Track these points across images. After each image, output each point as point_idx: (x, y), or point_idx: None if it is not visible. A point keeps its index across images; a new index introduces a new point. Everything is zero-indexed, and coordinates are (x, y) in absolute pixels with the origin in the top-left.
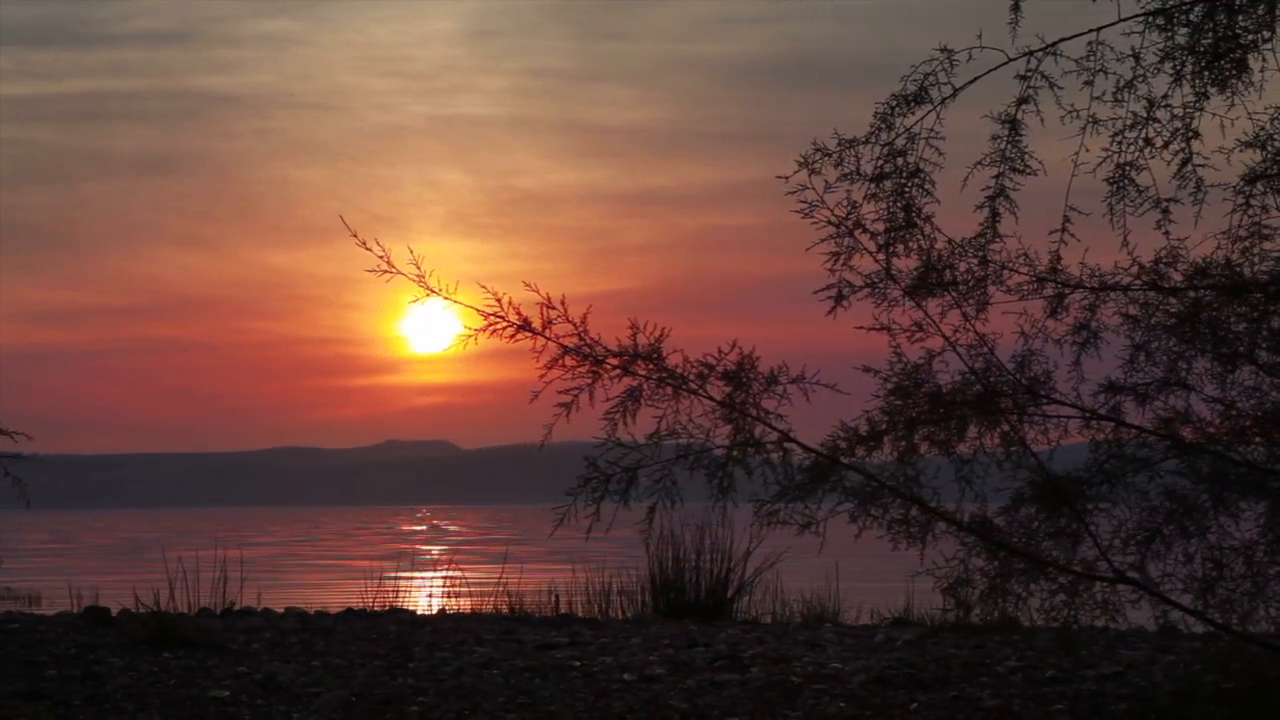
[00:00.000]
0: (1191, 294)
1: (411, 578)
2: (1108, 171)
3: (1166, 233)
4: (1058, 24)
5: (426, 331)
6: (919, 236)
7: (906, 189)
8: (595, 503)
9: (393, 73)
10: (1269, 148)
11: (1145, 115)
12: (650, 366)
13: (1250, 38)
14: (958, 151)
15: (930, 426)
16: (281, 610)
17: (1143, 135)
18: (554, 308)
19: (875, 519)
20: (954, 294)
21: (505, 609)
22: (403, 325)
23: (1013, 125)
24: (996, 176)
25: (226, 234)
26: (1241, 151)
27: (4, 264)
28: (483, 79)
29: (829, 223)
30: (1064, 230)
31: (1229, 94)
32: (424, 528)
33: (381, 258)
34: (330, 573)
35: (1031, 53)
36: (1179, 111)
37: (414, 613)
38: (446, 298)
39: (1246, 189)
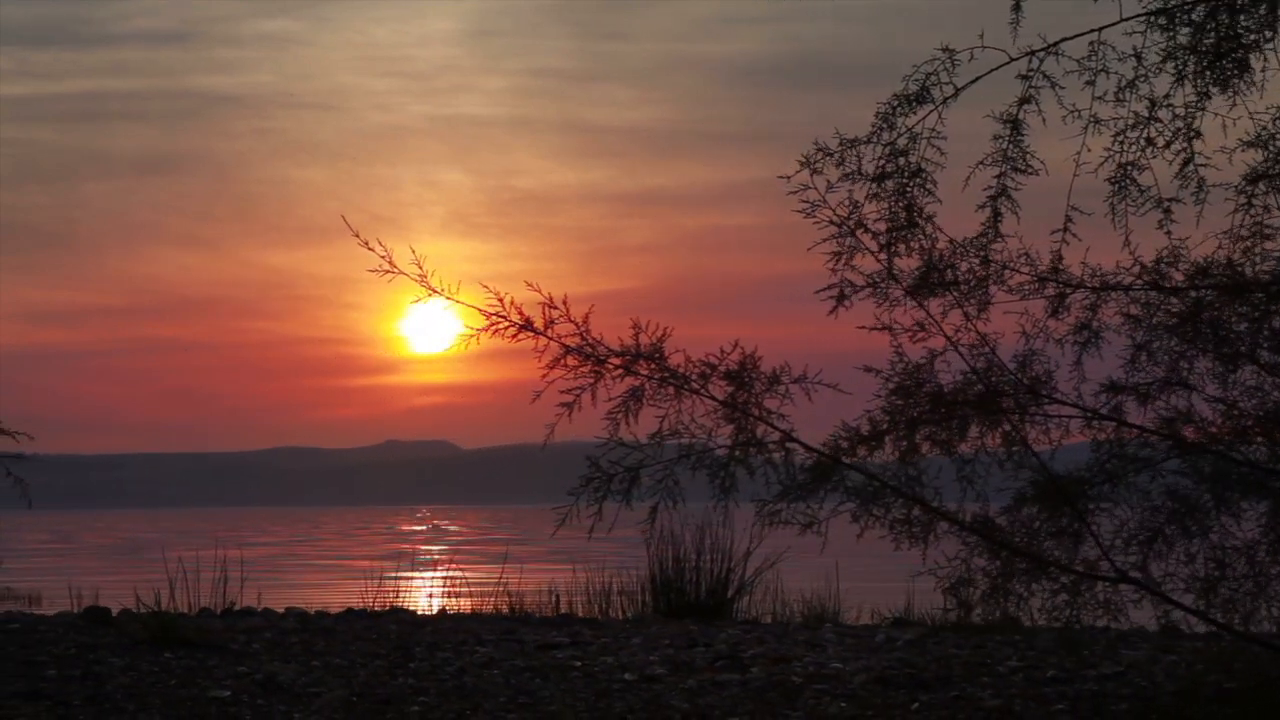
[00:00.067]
0: (1193, 294)
1: (412, 578)
2: (1109, 171)
3: (1168, 232)
4: (1058, 24)
5: (426, 331)
6: (921, 236)
7: (908, 189)
8: (597, 502)
9: (393, 73)
10: (1270, 147)
11: (1147, 115)
12: (652, 366)
13: (1252, 37)
14: (959, 151)
15: (932, 426)
16: (282, 610)
17: (1144, 135)
18: (556, 307)
19: (877, 519)
20: (955, 294)
21: (505, 609)
22: (403, 325)
23: (1014, 125)
24: (998, 176)
25: (226, 234)
26: (1243, 151)
27: (4, 264)
28: (483, 79)
29: (831, 222)
30: (1066, 230)
31: (1231, 94)
32: (424, 528)
33: (384, 257)
34: (330, 573)
35: (1033, 52)
36: (1181, 111)
37: (414, 613)
38: (449, 298)
39: (1249, 189)
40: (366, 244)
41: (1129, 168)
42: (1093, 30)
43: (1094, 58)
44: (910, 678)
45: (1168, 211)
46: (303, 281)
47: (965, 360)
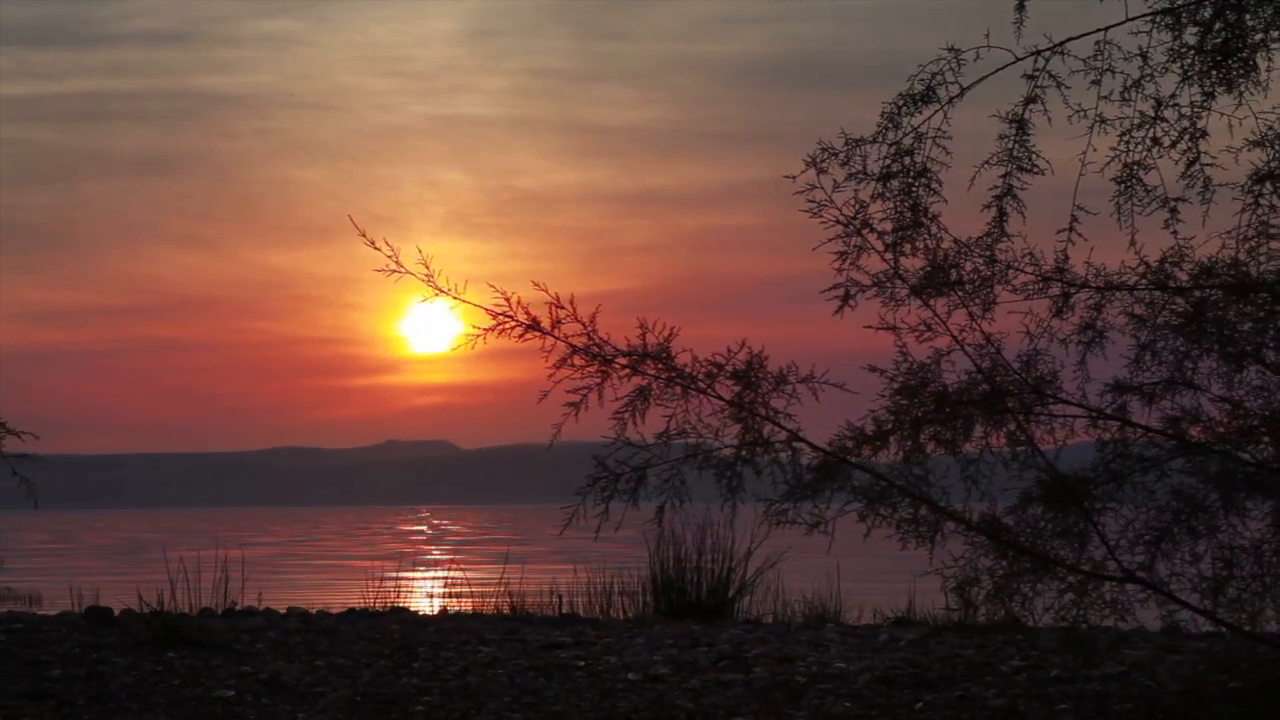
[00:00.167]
0: (1197, 293)
1: (413, 578)
2: (1115, 171)
3: (1174, 232)
4: (1060, 23)
5: (427, 331)
6: (926, 236)
7: (914, 188)
8: (604, 502)
9: (393, 73)
10: (1276, 147)
11: (1153, 115)
12: (659, 366)
13: (1258, 37)
14: (965, 151)
15: (936, 426)
16: (283, 610)
17: (1150, 135)
18: (562, 307)
19: (884, 518)
20: (960, 294)
21: (507, 609)
22: (403, 325)
23: (1020, 125)
24: (1004, 176)
25: (226, 234)
26: (1249, 151)
27: (4, 264)
28: (483, 79)
29: (837, 221)
30: (1071, 230)
31: (1237, 94)
32: (424, 528)
33: (390, 257)
34: (331, 573)
35: (1039, 52)
36: (1187, 111)
37: (416, 613)
38: (455, 297)
39: (1255, 189)
40: (373, 244)
41: (1135, 167)
42: (1098, 30)
43: (1100, 57)
44: (914, 677)
45: (1174, 211)
46: (303, 281)
47: (971, 359)
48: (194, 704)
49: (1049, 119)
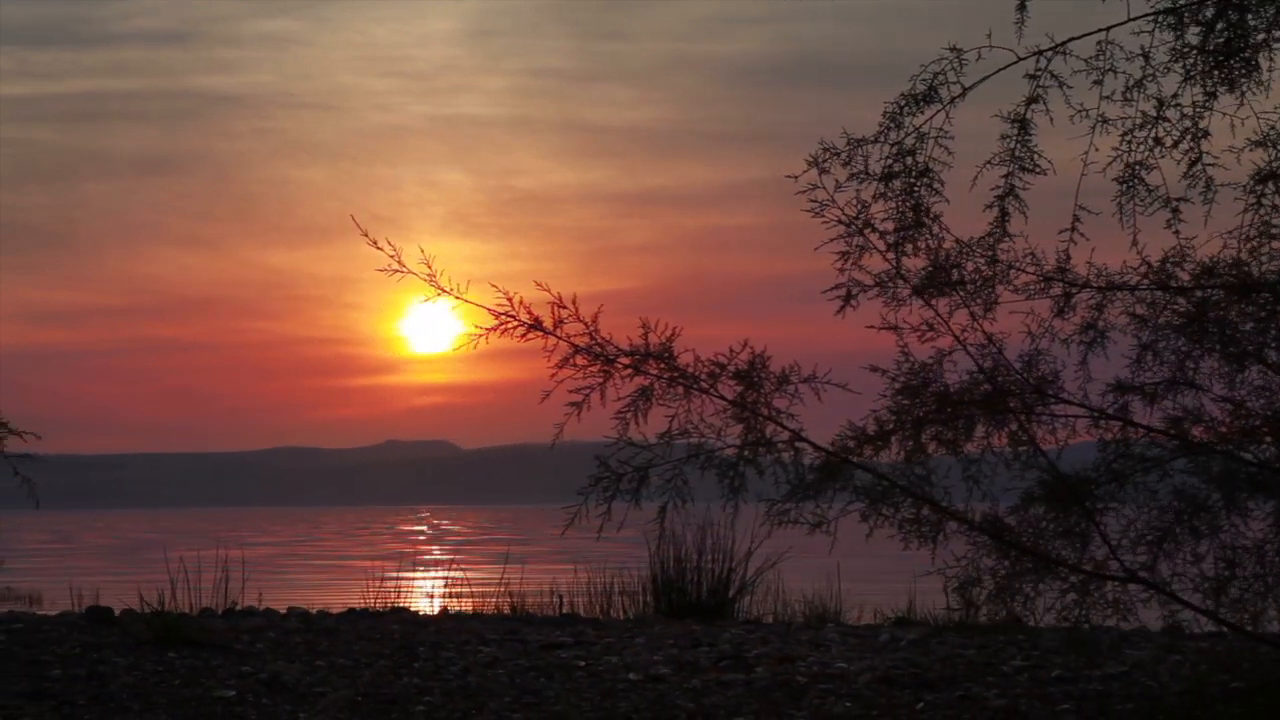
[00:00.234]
0: (1199, 293)
1: (413, 578)
2: (1117, 171)
3: (1176, 232)
4: (1061, 23)
5: (427, 331)
6: (928, 236)
7: (916, 188)
8: (606, 502)
9: (393, 73)
10: (1278, 147)
11: (1155, 115)
12: (661, 366)
13: (1260, 37)
14: (966, 151)
15: (938, 426)
16: (283, 610)
17: (1152, 135)
18: (565, 307)
19: (886, 518)
20: (962, 294)
21: (507, 609)
22: (403, 325)
23: (1022, 125)
24: (1006, 176)
25: (226, 234)
26: (1251, 151)
27: (4, 264)
28: (483, 79)
29: (840, 221)
30: (1073, 230)
31: (1239, 94)
32: (424, 528)
33: (393, 257)
34: (331, 573)
35: (1040, 52)
36: (1189, 111)
37: (416, 613)
38: (458, 297)
39: (1258, 189)
40: (375, 244)
41: (1137, 167)
42: (1100, 30)
43: (1102, 57)
44: (915, 677)
45: (1175, 211)
46: (303, 281)
47: (974, 359)
48: (195, 704)
49: (1051, 119)
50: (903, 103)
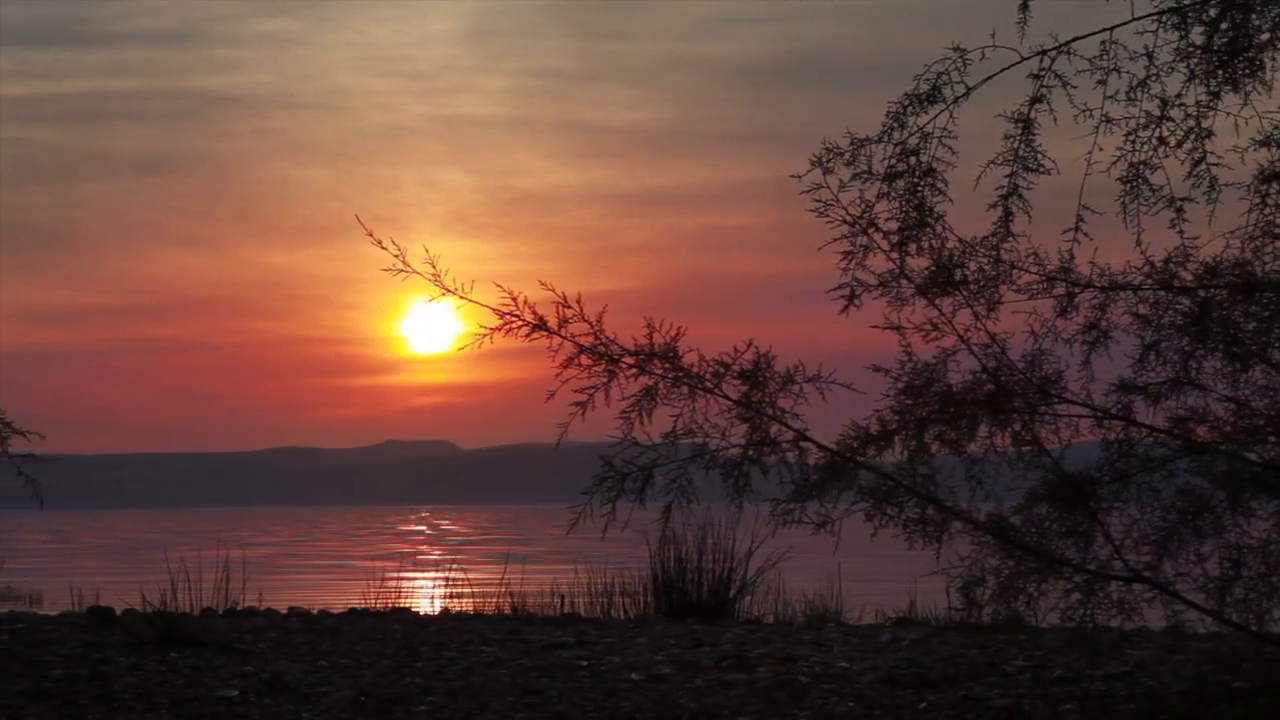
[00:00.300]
0: (1202, 293)
1: (413, 578)
2: (1121, 171)
3: (1181, 232)
4: (1062, 23)
5: (427, 331)
6: (931, 236)
7: (919, 188)
8: (611, 502)
9: (393, 73)
10: None
11: (1159, 114)
12: (666, 366)
13: (1264, 36)
14: (969, 150)
15: (941, 426)
16: (284, 610)
17: (1156, 134)
18: (569, 306)
19: (891, 518)
20: (965, 293)
21: (508, 609)
22: (403, 325)
23: (1026, 124)
24: (1010, 175)
25: (226, 234)
26: (1255, 150)
27: (4, 264)
28: (483, 79)
29: (844, 221)
30: (1077, 229)
31: (1243, 93)
32: (424, 528)
33: (397, 256)
34: (331, 573)
35: (1044, 52)
36: (1193, 110)
37: (417, 613)
38: (462, 297)
39: (1262, 188)
40: (380, 244)
41: (1141, 167)
42: (1104, 30)
43: (1105, 57)
44: (917, 677)
45: (1180, 211)
46: (303, 281)
47: (978, 359)
48: (197, 704)
49: (1055, 119)
50: (906, 102)
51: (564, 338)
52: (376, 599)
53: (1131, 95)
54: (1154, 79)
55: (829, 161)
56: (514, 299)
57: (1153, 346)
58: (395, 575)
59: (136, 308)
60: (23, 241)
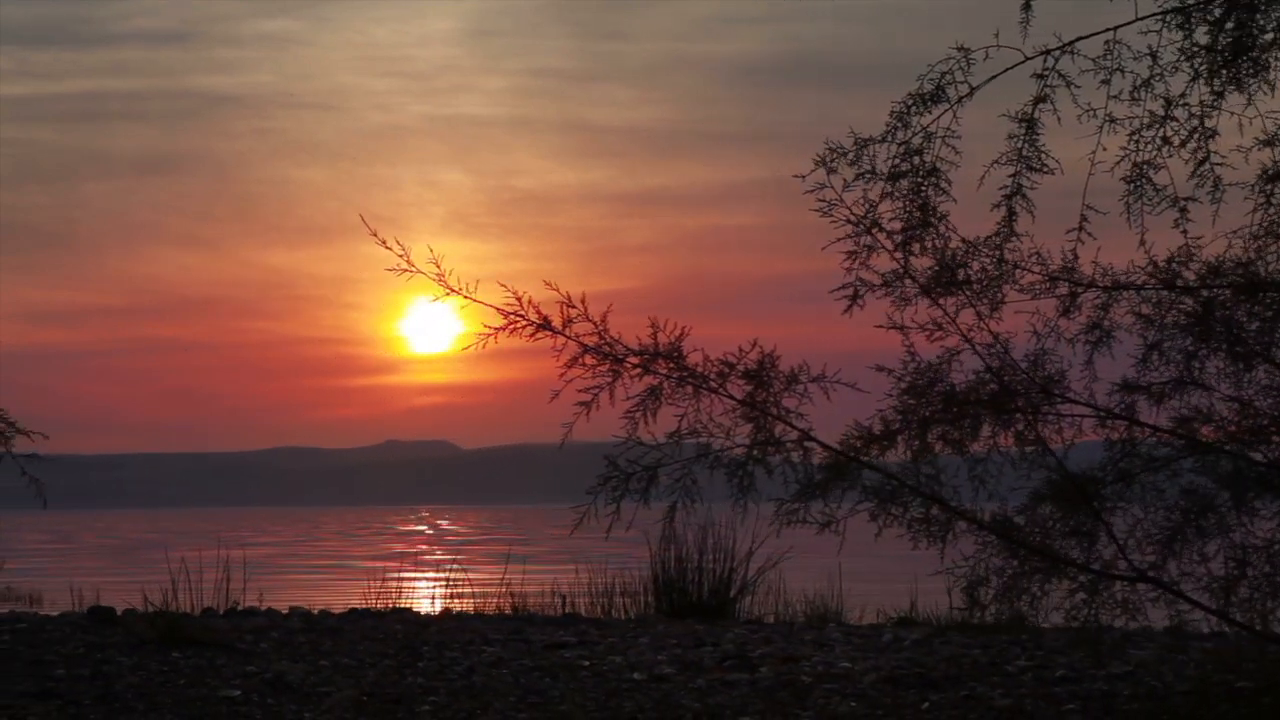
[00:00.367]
0: (1205, 293)
1: (414, 578)
2: (1125, 170)
3: (1184, 231)
4: (1064, 23)
5: (427, 331)
6: (935, 235)
7: (923, 188)
8: (615, 502)
9: (393, 73)
10: None
11: (1163, 114)
12: (670, 365)
13: (1268, 36)
14: (972, 150)
15: (944, 426)
16: (285, 610)
17: (1160, 134)
18: (574, 306)
19: (895, 518)
20: (968, 293)
21: (509, 609)
22: (403, 325)
23: (1030, 124)
24: (1013, 175)
25: (226, 234)
26: (1259, 150)
27: (4, 264)
28: (483, 79)
29: (848, 221)
30: (1081, 229)
31: (1246, 93)
32: (424, 528)
33: (402, 256)
34: (331, 573)
35: (1048, 51)
36: (1196, 110)
37: (418, 613)
38: (467, 296)
39: (1266, 188)
40: (384, 243)
41: (1144, 167)
42: (1108, 29)
43: (1109, 56)
44: (919, 677)
45: (1183, 211)
46: (303, 281)
47: (983, 358)
48: (200, 704)
49: (1058, 118)
50: (910, 102)
51: (569, 338)
52: (377, 599)
53: (1135, 95)
54: (1158, 78)
55: (833, 161)
56: (518, 299)
57: (1156, 346)
58: (396, 575)
59: (136, 308)
60: (23, 241)
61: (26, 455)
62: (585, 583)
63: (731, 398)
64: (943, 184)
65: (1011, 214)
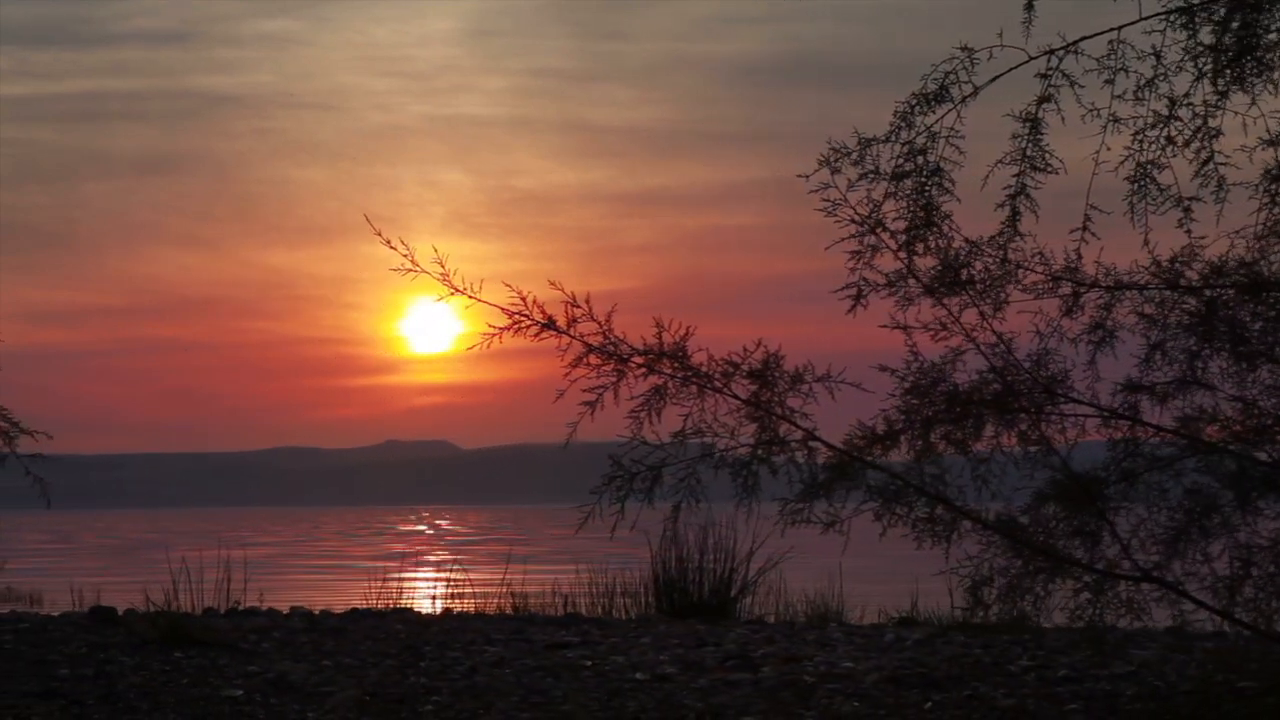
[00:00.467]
0: (1208, 293)
1: (415, 578)
2: (1129, 170)
3: (1188, 231)
4: (1065, 22)
5: (427, 331)
6: (938, 235)
7: (927, 188)
8: (620, 501)
9: (393, 73)
10: None
11: (1167, 114)
12: (675, 365)
13: (1272, 36)
14: (975, 150)
15: (947, 425)
16: (286, 610)
17: (1164, 134)
18: (579, 306)
19: (900, 518)
20: (971, 293)
21: (510, 609)
22: (403, 325)
23: (1034, 124)
24: (1017, 175)
25: (226, 234)
26: (1263, 150)
27: (4, 264)
28: (483, 79)
29: (852, 220)
30: (1085, 229)
31: (1250, 93)
32: (424, 528)
33: (406, 256)
34: (331, 573)
35: (1052, 51)
36: (1200, 110)
37: (419, 613)
38: (472, 296)
39: (1271, 188)
40: (389, 243)
41: (1148, 166)
42: (1112, 29)
43: (1113, 56)
44: (922, 677)
45: (1187, 210)
46: (303, 281)
47: (986, 358)
48: (203, 704)
49: (1062, 118)
50: (914, 102)
51: (573, 337)
52: (378, 599)
53: (1139, 95)
54: (1162, 78)
55: (837, 161)
56: (523, 299)
57: (1159, 346)
58: (396, 575)
59: (136, 308)
60: (23, 241)
61: (31, 455)
62: (586, 583)
63: (736, 397)
64: (946, 184)
65: (1015, 214)
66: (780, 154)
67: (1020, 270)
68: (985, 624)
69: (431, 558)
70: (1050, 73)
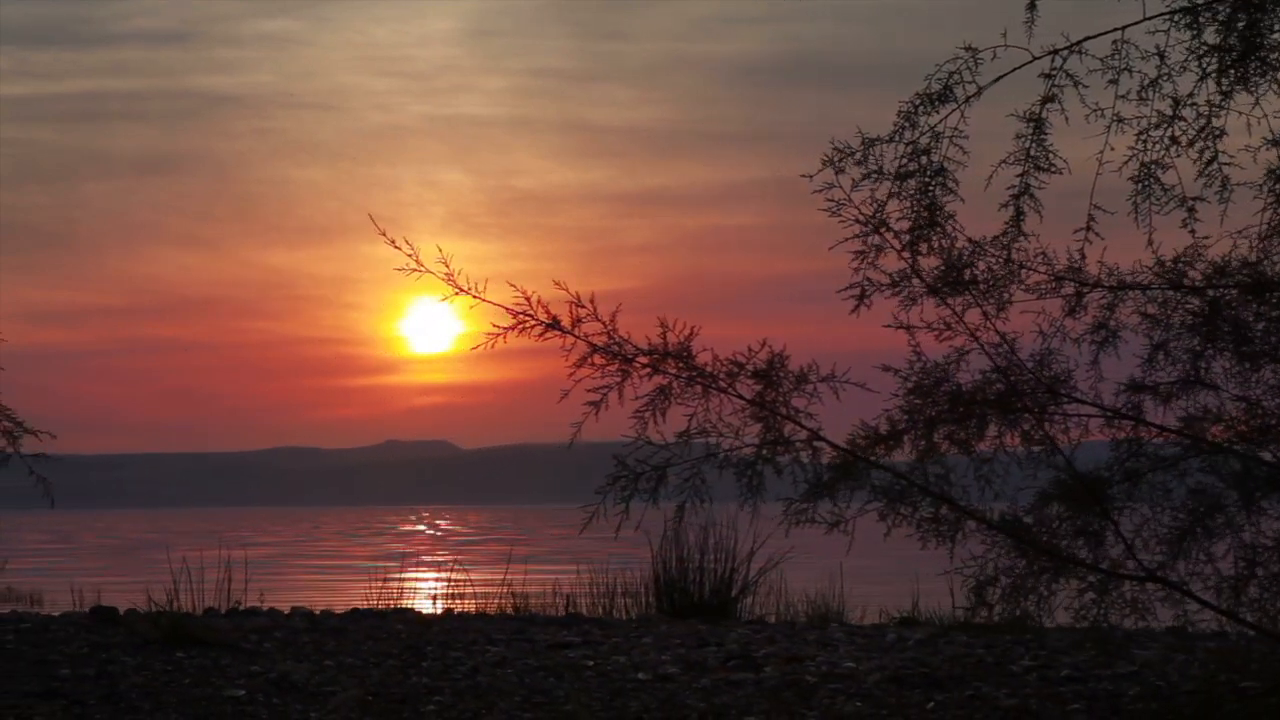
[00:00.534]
0: (1211, 293)
1: (415, 578)
2: (1133, 170)
3: (1192, 231)
4: (1069, 23)
5: (427, 331)
6: (942, 235)
7: (931, 188)
8: (624, 501)
9: (393, 73)
10: None
11: (1171, 114)
12: (680, 365)
13: (1276, 36)
14: (979, 150)
15: (951, 425)
16: (287, 610)
17: (1168, 134)
18: (583, 306)
19: (905, 518)
20: (974, 293)
21: (511, 609)
22: (403, 325)
23: (1037, 124)
24: (1021, 175)
25: (226, 234)
26: (1267, 150)
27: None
28: (483, 79)
29: (856, 220)
30: (1088, 229)
31: (1255, 93)
32: (424, 528)
33: (410, 255)
34: (332, 573)
35: (1056, 51)
36: (1204, 110)
37: (420, 613)
38: (477, 296)
39: (1275, 188)
40: (393, 243)
41: (1152, 166)
42: (1115, 29)
43: (1117, 56)
44: (924, 677)
45: (1191, 210)
46: (303, 281)
47: (990, 357)
48: (205, 703)
49: (1066, 118)
50: (918, 102)
51: (578, 337)
52: (379, 599)
53: (1143, 95)
54: (1165, 78)
55: (840, 161)
56: (527, 298)
57: (1162, 346)
58: (397, 575)
59: (136, 308)
60: (23, 241)
61: (34, 455)
62: (587, 583)
63: (741, 397)
64: (950, 184)
65: (1019, 214)
66: (780, 154)
67: (1024, 270)
68: (987, 624)
69: (434, 558)
70: (1054, 73)
